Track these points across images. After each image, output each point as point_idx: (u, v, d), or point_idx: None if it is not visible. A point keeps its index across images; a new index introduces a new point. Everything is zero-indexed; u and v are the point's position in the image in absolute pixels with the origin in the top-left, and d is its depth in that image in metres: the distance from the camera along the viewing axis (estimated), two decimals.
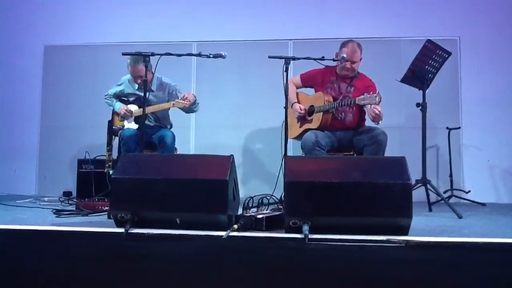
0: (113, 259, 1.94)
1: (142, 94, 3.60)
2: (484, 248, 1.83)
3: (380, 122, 3.16)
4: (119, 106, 3.83)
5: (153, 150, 3.73)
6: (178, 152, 3.96)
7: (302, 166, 2.17)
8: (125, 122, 3.83)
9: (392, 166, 2.09)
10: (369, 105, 3.14)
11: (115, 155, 3.87)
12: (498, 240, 1.90)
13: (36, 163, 5.01)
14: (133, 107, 3.81)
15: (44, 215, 2.82)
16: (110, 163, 3.78)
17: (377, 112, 3.09)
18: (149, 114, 3.77)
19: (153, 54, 3.04)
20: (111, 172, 3.71)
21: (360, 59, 3.44)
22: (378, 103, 3.06)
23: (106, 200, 3.10)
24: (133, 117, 3.79)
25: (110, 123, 3.95)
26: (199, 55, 3.08)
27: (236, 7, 4.88)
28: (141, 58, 3.37)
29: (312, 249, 1.85)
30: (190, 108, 3.69)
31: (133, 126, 3.77)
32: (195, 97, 3.68)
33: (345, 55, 3.32)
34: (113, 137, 3.89)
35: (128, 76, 3.87)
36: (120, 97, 3.91)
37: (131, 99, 3.88)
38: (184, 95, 3.61)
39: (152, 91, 3.81)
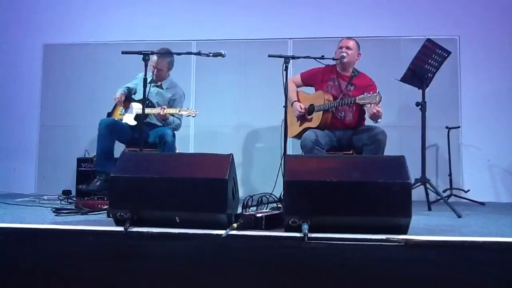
0: (112, 257, 1.94)
1: (155, 89, 3.80)
2: (483, 247, 1.83)
3: (379, 121, 3.17)
4: (118, 92, 3.83)
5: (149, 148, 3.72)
6: (177, 151, 3.96)
7: (301, 165, 2.17)
8: (125, 117, 3.82)
9: (392, 165, 2.09)
10: (369, 104, 3.14)
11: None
12: (497, 239, 1.90)
13: (36, 161, 5.01)
14: (137, 105, 3.80)
15: (43, 213, 2.82)
16: None
17: (375, 111, 3.10)
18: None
19: (152, 53, 3.03)
20: None
21: (359, 54, 3.47)
22: (378, 102, 3.06)
23: (105, 198, 3.10)
24: (134, 114, 3.78)
25: (109, 115, 3.94)
26: (198, 54, 3.08)
27: (235, 6, 4.88)
28: (166, 55, 3.63)
29: (311, 248, 1.85)
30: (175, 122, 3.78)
31: (131, 122, 3.76)
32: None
33: (342, 48, 3.38)
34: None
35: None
36: (131, 92, 3.93)
37: (137, 98, 3.88)
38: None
39: (162, 88, 3.85)
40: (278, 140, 3.34)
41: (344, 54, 3.39)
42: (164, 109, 3.63)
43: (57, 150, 4.92)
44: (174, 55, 3.71)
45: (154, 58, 3.70)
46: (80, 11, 5.05)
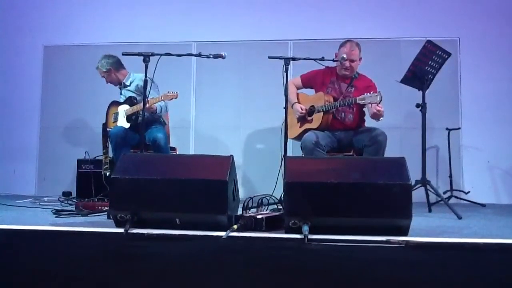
0: (112, 259, 1.94)
1: (124, 91, 3.94)
2: (483, 249, 1.83)
3: (381, 119, 3.16)
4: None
5: (146, 149, 3.71)
6: (178, 152, 3.96)
7: (302, 167, 2.17)
8: (118, 123, 3.81)
9: (392, 166, 2.09)
10: (370, 104, 3.14)
11: None
12: (497, 241, 1.90)
13: (36, 163, 5.01)
14: (125, 107, 3.80)
15: (43, 215, 2.82)
16: (107, 166, 3.77)
17: (375, 111, 3.10)
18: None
19: (153, 54, 3.03)
20: (107, 173, 3.71)
21: (360, 58, 3.43)
22: (379, 102, 3.06)
23: (105, 200, 3.10)
24: (124, 116, 3.77)
25: (104, 126, 3.95)
26: (199, 55, 3.08)
27: (236, 8, 4.88)
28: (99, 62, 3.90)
29: (311, 250, 1.84)
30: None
31: (125, 125, 3.74)
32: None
33: (344, 55, 3.32)
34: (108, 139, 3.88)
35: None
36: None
37: (121, 100, 3.91)
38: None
39: (127, 86, 3.89)
40: (278, 142, 3.34)
41: (348, 67, 3.37)
42: (148, 101, 3.56)
43: (57, 151, 4.92)
44: (178, 56, 3.65)
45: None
46: (81, 12, 5.05)
